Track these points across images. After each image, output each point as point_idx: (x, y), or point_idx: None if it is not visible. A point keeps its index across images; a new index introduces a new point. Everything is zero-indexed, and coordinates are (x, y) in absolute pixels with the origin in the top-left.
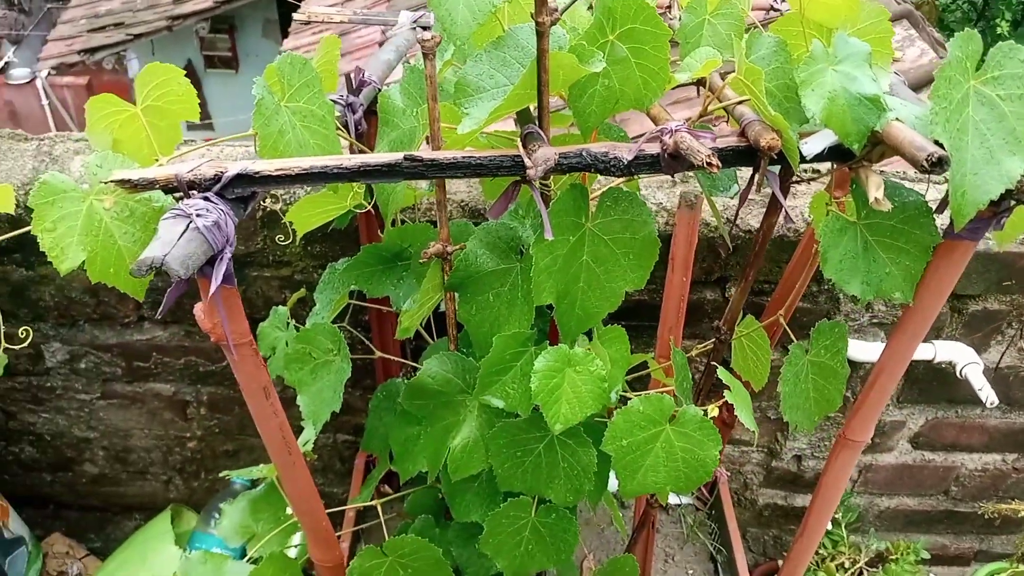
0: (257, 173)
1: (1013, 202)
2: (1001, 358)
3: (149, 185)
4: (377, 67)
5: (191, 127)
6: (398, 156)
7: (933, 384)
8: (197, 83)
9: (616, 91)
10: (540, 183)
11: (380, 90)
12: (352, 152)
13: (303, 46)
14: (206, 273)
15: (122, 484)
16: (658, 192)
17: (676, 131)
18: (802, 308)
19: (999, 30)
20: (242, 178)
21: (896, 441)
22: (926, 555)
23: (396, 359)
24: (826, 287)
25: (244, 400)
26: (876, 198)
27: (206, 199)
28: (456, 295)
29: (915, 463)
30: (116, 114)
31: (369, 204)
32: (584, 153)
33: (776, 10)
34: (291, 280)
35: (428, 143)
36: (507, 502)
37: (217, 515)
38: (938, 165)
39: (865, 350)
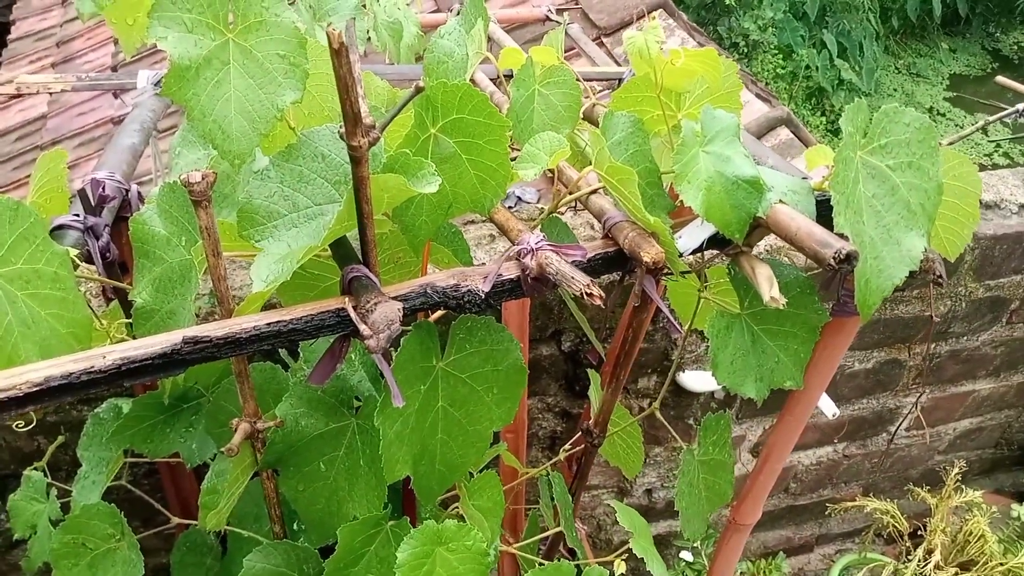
0: None
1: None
2: None
3: None
4: (118, 158)
5: None
6: (175, 339)
7: (771, 398)
8: None
9: (447, 195)
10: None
11: (128, 191)
12: (105, 292)
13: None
14: None
15: None
16: (477, 250)
17: (538, 249)
18: (640, 348)
19: (727, 0)
20: None
21: (738, 455)
22: (787, 568)
23: (197, 524)
24: (661, 325)
25: (5, 570)
26: (772, 297)
27: None
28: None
29: None
30: None
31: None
32: (429, 291)
33: (553, 20)
34: (44, 423)
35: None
36: None
37: None
38: (846, 262)
39: (705, 380)
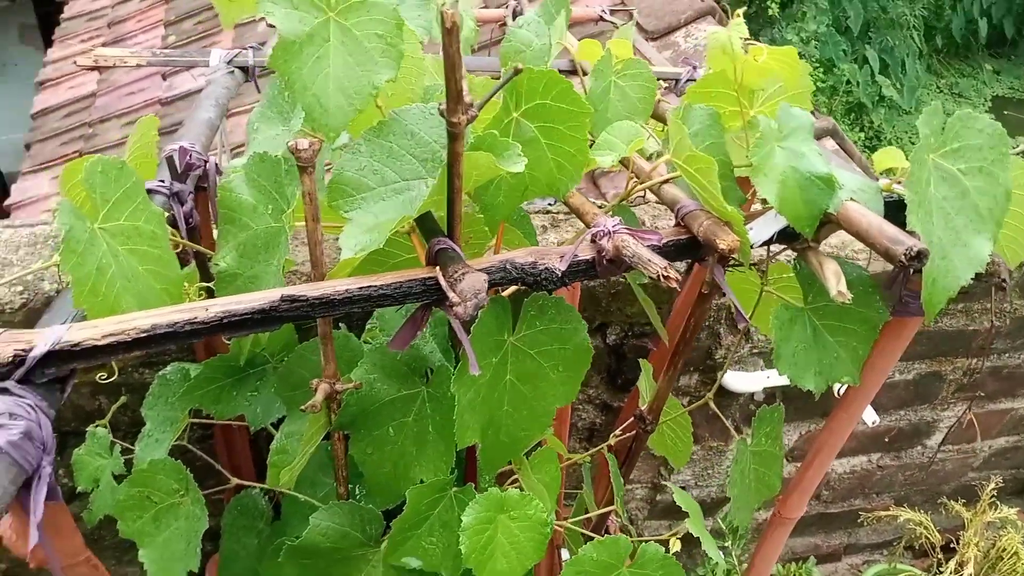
0: (77, 345)
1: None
2: None
3: None
4: (197, 130)
5: None
6: (273, 296)
7: (809, 401)
8: None
9: (525, 178)
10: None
11: (206, 162)
12: (186, 254)
13: (72, 55)
14: (20, 497)
15: None
16: None
17: (615, 232)
18: None
19: (770, 11)
20: (56, 356)
21: None
22: (817, 574)
23: (256, 485)
24: (706, 324)
25: None
26: (840, 291)
27: (5, 392)
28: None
29: (789, 476)
30: None
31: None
32: (508, 266)
33: (606, 20)
34: (107, 384)
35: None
36: None
37: None
38: (916, 259)
39: (747, 380)
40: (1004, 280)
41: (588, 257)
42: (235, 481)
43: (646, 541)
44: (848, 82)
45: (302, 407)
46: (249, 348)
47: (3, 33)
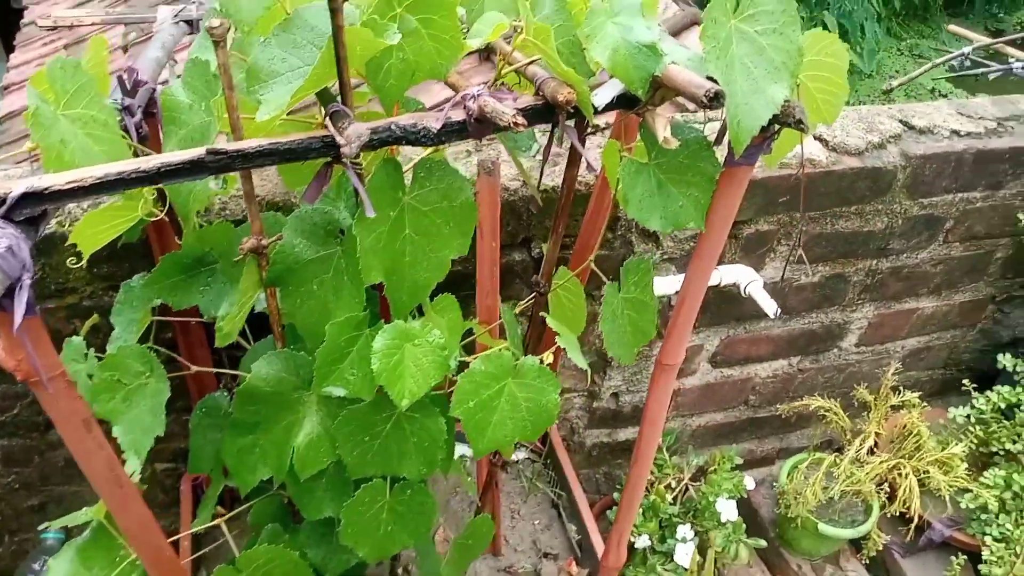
0: (46, 189)
1: (778, 126)
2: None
3: None
4: (146, 66)
5: None
6: (200, 151)
7: (722, 306)
8: None
9: (412, 63)
10: (352, 162)
11: (154, 90)
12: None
13: (34, 60)
14: (4, 306)
15: None
16: (455, 163)
17: (479, 96)
18: (600, 255)
19: None
20: (30, 197)
21: (698, 364)
22: (739, 460)
23: (215, 371)
24: (619, 233)
25: (43, 449)
26: (665, 137)
27: None
28: (277, 291)
29: (716, 381)
30: None
31: (162, 211)
32: (393, 126)
33: None
34: (79, 308)
35: (226, 136)
36: (360, 489)
37: None
38: (715, 99)
39: (660, 284)
40: (801, 121)
41: (460, 119)
42: (194, 368)
43: (526, 357)
44: None
45: (234, 259)
46: (198, 244)
47: None
